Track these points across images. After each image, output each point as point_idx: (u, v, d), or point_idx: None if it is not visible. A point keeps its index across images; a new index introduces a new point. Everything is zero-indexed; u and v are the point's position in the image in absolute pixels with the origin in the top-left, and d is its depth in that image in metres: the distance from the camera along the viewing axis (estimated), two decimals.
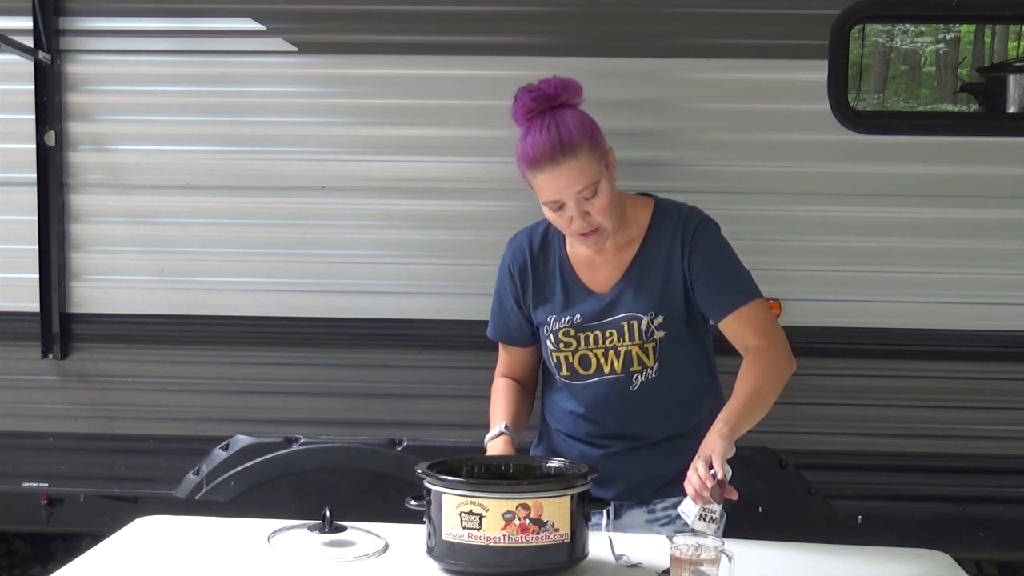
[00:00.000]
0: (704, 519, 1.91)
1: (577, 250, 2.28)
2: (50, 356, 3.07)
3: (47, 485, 3.14)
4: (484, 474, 2.08)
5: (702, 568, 1.78)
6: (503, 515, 1.84)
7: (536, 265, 2.31)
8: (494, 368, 2.44)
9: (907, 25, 11.89)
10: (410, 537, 2.04)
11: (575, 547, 1.91)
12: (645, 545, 2.05)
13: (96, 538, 2.23)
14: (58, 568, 1.98)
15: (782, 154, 2.95)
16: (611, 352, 2.23)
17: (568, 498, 1.89)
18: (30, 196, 3.02)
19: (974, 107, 6.94)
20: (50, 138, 3.01)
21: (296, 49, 2.99)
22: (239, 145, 3.02)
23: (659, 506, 2.28)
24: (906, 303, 2.97)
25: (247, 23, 2.98)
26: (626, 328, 2.21)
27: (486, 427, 2.31)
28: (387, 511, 2.17)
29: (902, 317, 2.97)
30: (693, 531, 1.90)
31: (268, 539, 2.08)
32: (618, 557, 2.00)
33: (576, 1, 2.96)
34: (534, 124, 2.10)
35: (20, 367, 3.11)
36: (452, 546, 1.88)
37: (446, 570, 1.92)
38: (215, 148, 3.03)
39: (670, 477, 2.19)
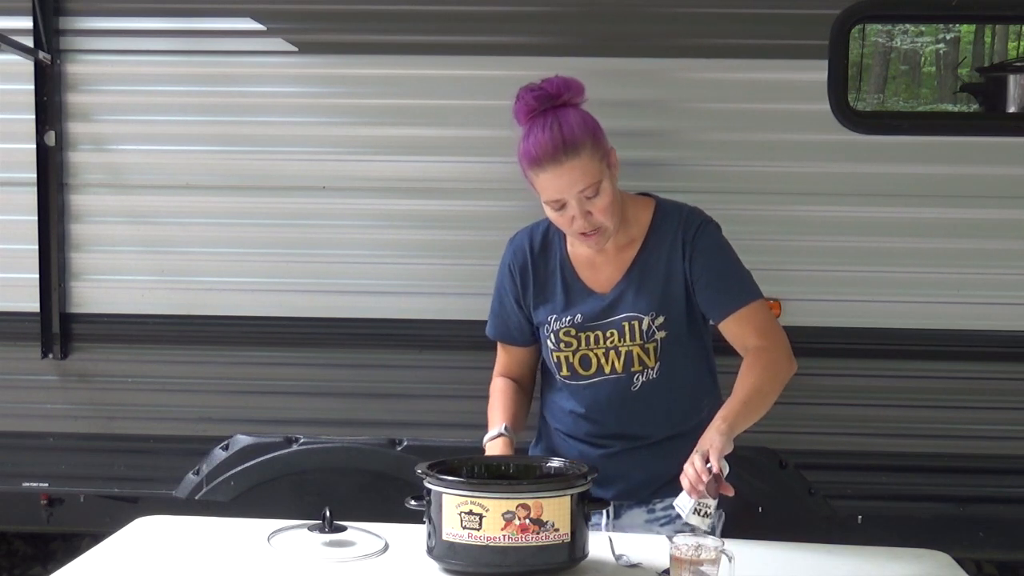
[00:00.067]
0: (699, 513, 1.91)
1: (578, 250, 2.28)
2: (50, 356, 3.07)
3: (47, 485, 3.14)
4: (484, 474, 2.08)
5: (702, 568, 1.78)
6: (503, 515, 1.84)
7: (537, 265, 2.31)
8: (493, 368, 2.44)
9: (907, 25, 11.89)
10: (410, 537, 2.04)
11: (575, 547, 1.91)
12: (645, 545, 2.05)
13: (96, 538, 2.23)
14: (58, 568, 1.98)
15: (782, 154, 2.95)
16: (612, 352, 2.23)
17: (568, 498, 1.89)
18: (30, 196, 3.03)
19: (974, 107, 6.94)
20: (50, 138, 3.01)
21: (296, 49, 2.99)
22: (239, 145, 3.02)
23: (658, 506, 2.28)
24: (906, 303, 2.97)
25: (247, 23, 2.99)
26: (627, 328, 2.21)
27: (485, 427, 2.31)
28: (387, 511, 2.17)
29: (902, 317, 2.97)
30: (690, 527, 1.90)
31: (268, 539, 2.08)
32: (618, 557, 2.00)
33: (576, 1, 2.96)
34: (536, 123, 2.10)
35: (20, 367, 3.11)
36: (452, 546, 1.88)
37: (446, 570, 1.92)
38: (215, 148, 3.03)
39: (670, 477, 2.18)
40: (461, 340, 2.92)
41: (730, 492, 1.93)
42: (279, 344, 3.06)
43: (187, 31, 3.01)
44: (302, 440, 3.06)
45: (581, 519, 1.92)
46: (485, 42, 2.97)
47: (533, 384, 2.44)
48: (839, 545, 2.16)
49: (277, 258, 3.04)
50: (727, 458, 1.96)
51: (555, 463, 2.11)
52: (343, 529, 2.08)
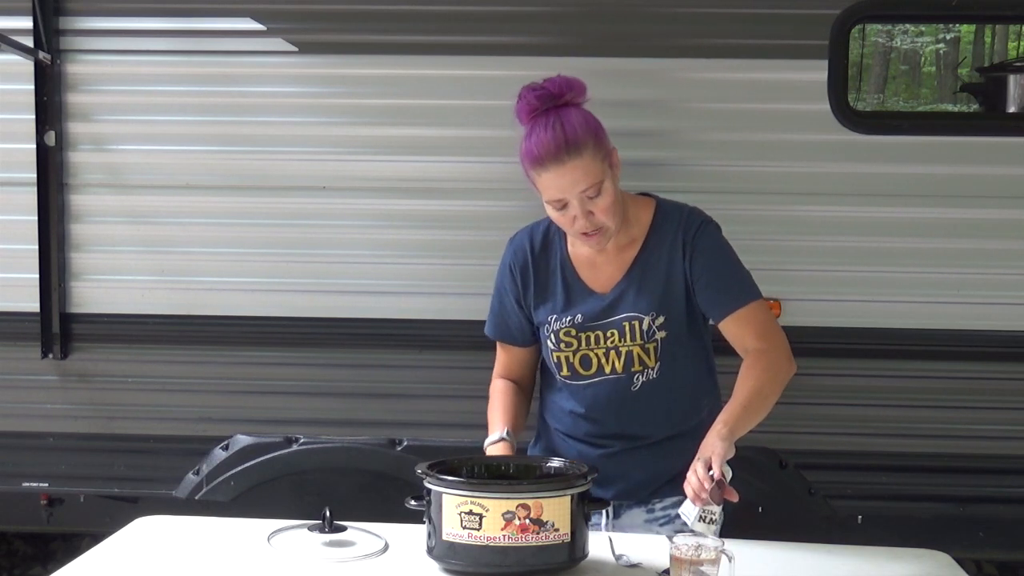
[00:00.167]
0: (704, 520, 1.91)
1: (578, 250, 2.28)
2: (50, 356, 3.07)
3: (47, 485, 3.14)
4: (484, 474, 2.08)
5: (702, 568, 1.78)
6: (503, 515, 1.84)
7: (537, 264, 2.31)
8: (493, 368, 2.44)
9: (907, 25, 11.89)
10: (410, 537, 2.04)
11: (575, 547, 1.91)
12: (645, 545, 2.05)
13: (96, 538, 2.23)
14: (58, 568, 1.97)
15: (782, 154, 2.95)
16: (612, 352, 2.23)
17: (568, 498, 1.89)
18: (30, 196, 3.03)
19: (974, 107, 6.94)
20: (50, 138, 3.01)
21: (296, 49, 2.99)
22: (239, 145, 3.02)
23: (658, 506, 2.28)
24: (906, 303, 2.97)
25: (247, 23, 2.99)
26: (627, 328, 2.21)
27: (485, 428, 2.31)
28: (387, 511, 2.17)
29: (902, 317, 2.97)
30: (693, 531, 1.90)
31: (268, 539, 2.08)
32: (618, 557, 2.00)
33: (576, 1, 2.96)
34: (538, 123, 2.10)
35: (20, 367, 3.11)
36: (452, 546, 1.88)
37: (446, 570, 1.92)
38: (215, 148, 3.03)
39: (669, 477, 2.20)
40: (461, 340, 2.92)
41: (734, 497, 1.93)
42: (279, 344, 3.06)
43: (187, 31, 3.01)
44: (302, 440, 3.06)
45: (581, 519, 1.92)
46: (485, 42, 2.97)
47: (533, 384, 2.44)
48: (839, 545, 2.16)
49: (277, 258, 3.04)
50: (729, 462, 1.96)
51: (555, 463, 2.11)
52: (343, 529, 2.08)
